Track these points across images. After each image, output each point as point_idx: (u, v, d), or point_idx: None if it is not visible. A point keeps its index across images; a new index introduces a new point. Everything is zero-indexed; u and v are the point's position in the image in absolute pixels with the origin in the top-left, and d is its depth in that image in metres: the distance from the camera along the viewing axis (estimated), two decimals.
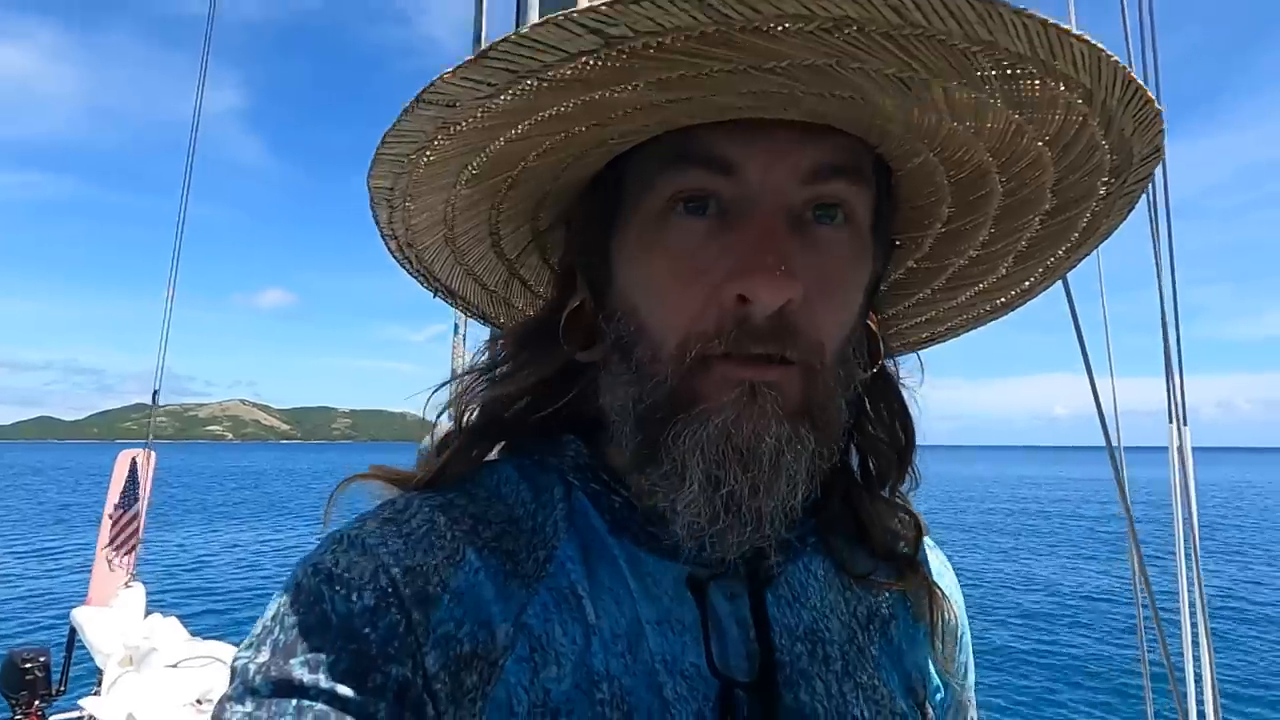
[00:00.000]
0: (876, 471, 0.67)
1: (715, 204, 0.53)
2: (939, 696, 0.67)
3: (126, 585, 4.35)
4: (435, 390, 0.67)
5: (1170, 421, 2.12)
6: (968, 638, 0.73)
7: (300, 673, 0.49)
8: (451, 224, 0.62)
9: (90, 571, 4.52)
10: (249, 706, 0.48)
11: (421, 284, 0.69)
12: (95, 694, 3.82)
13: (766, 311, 0.51)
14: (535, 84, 0.46)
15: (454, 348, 1.74)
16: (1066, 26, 0.41)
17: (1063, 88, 0.47)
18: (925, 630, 0.68)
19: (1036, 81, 0.46)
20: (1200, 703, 1.99)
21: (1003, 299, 0.72)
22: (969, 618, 0.74)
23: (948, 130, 0.53)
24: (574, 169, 0.58)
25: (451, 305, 0.73)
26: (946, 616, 0.69)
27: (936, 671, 0.68)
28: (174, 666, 3.71)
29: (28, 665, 4.13)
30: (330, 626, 0.50)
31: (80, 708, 3.97)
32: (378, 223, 0.60)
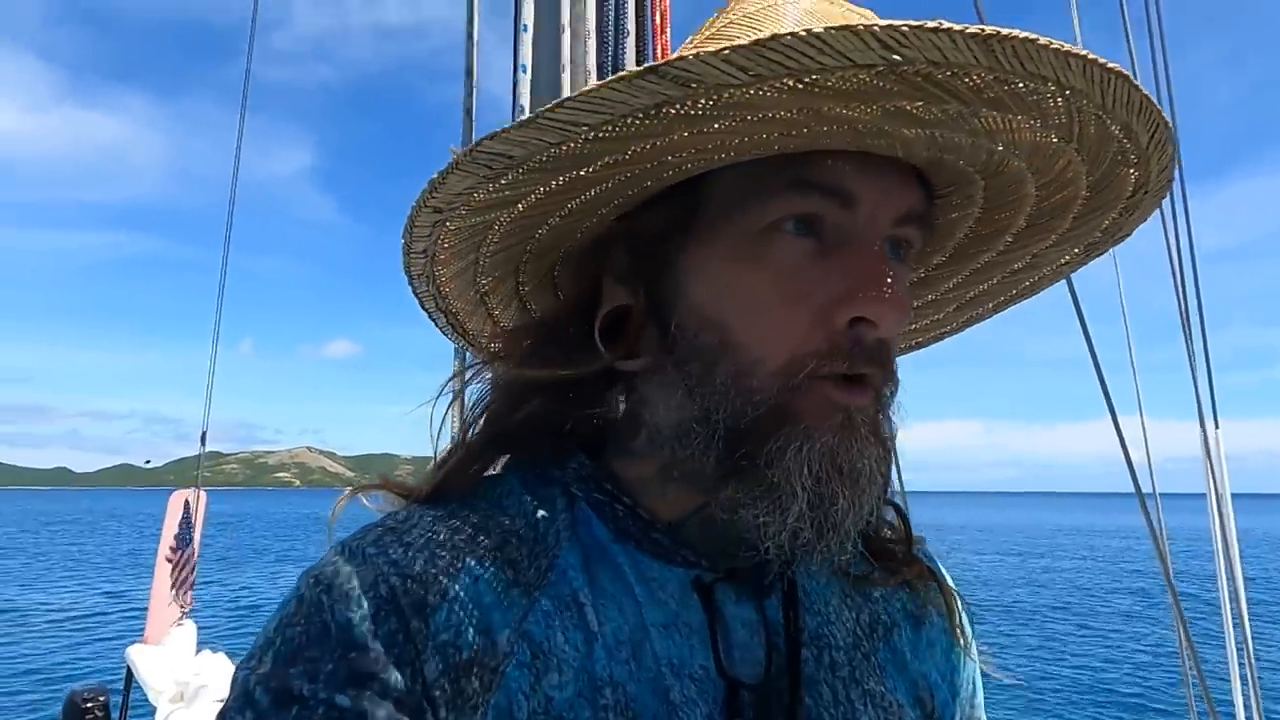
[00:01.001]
0: None
1: (822, 228, 0.54)
2: (949, 710, 0.66)
3: (178, 623, 4.42)
4: (439, 396, 0.66)
5: (1207, 469, 2.02)
6: (974, 650, 0.72)
7: (299, 683, 0.49)
8: (490, 242, 0.61)
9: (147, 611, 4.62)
10: (248, 717, 0.49)
11: (428, 301, 0.67)
12: None
13: (882, 336, 0.53)
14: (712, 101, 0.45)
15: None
16: (1127, 74, 0.45)
17: (1116, 129, 0.51)
18: (928, 639, 0.67)
19: (1058, 100, 0.48)
20: None
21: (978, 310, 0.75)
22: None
23: (1002, 160, 0.55)
24: (638, 182, 0.56)
25: (452, 330, 0.72)
26: (953, 604, 0.69)
27: (945, 684, 0.67)
28: (222, 702, 3.73)
29: (88, 705, 4.20)
30: (329, 636, 0.51)
31: None
32: (414, 231, 0.58)
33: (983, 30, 0.40)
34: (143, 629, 4.53)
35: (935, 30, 0.40)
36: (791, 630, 0.59)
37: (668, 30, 1.60)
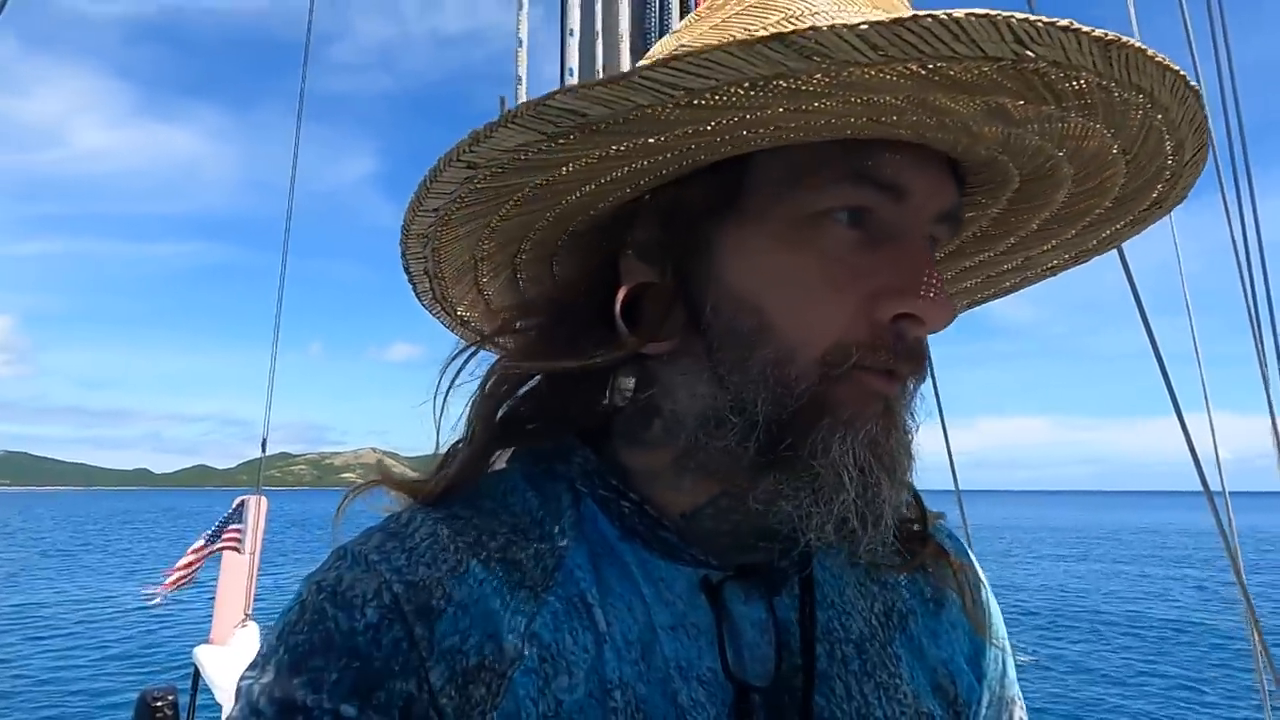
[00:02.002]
0: None
1: (870, 220, 0.52)
2: (975, 694, 0.64)
3: (242, 624, 4.54)
4: (440, 380, 0.61)
5: None
6: (1001, 631, 0.70)
7: (303, 693, 0.48)
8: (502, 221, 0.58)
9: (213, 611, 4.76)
10: None
11: (421, 280, 0.64)
12: None
13: (925, 333, 0.53)
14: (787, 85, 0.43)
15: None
16: (1171, 63, 0.44)
17: (1169, 145, 0.51)
18: (949, 622, 0.66)
19: (1140, 113, 0.48)
20: None
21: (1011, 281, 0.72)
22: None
23: (1036, 147, 0.53)
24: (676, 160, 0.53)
25: (442, 311, 0.68)
26: (971, 582, 0.67)
27: (970, 669, 0.65)
28: None
29: (158, 704, 4.35)
30: (333, 645, 0.50)
31: None
32: (425, 199, 0.54)
33: (1105, 34, 0.40)
34: (209, 629, 4.67)
35: (1065, 29, 0.39)
36: (808, 630, 0.57)
37: None
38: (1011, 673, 0.70)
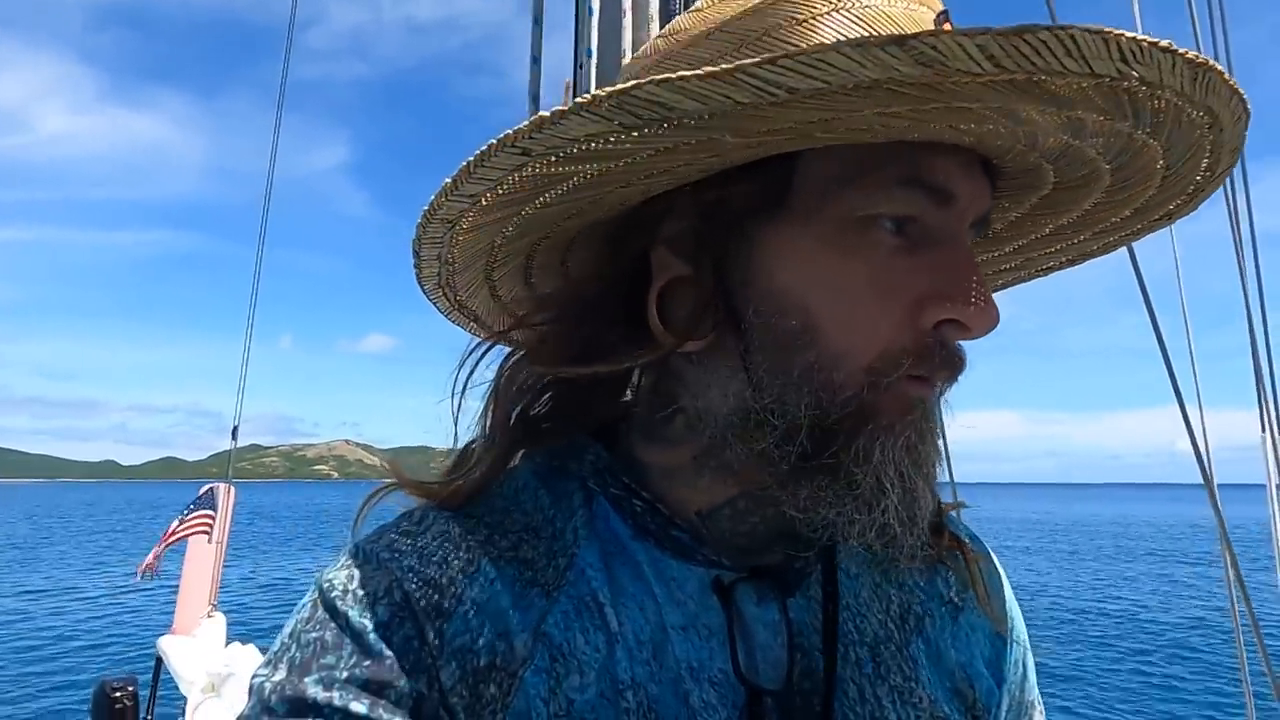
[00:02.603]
0: None
1: (914, 227, 0.52)
2: (994, 699, 0.63)
3: (208, 615, 4.44)
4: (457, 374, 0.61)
5: (1267, 458, 1.96)
6: (1022, 632, 0.69)
7: (314, 690, 0.48)
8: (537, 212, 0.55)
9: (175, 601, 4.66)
10: None
11: (435, 283, 0.62)
12: None
13: (968, 339, 0.52)
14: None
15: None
16: (1239, 87, 0.44)
17: (1205, 161, 0.51)
18: (969, 625, 0.65)
19: (1199, 132, 0.48)
20: None
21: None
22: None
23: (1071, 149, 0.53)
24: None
25: (462, 315, 0.67)
26: (986, 572, 0.67)
27: (990, 672, 0.64)
28: None
29: (117, 694, 4.24)
30: (345, 642, 0.50)
31: None
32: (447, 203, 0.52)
33: (1197, 57, 0.41)
34: (171, 619, 4.57)
35: (1165, 50, 0.40)
36: (830, 632, 0.57)
37: None
38: (1032, 676, 0.69)
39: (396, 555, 0.54)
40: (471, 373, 0.62)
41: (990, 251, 0.67)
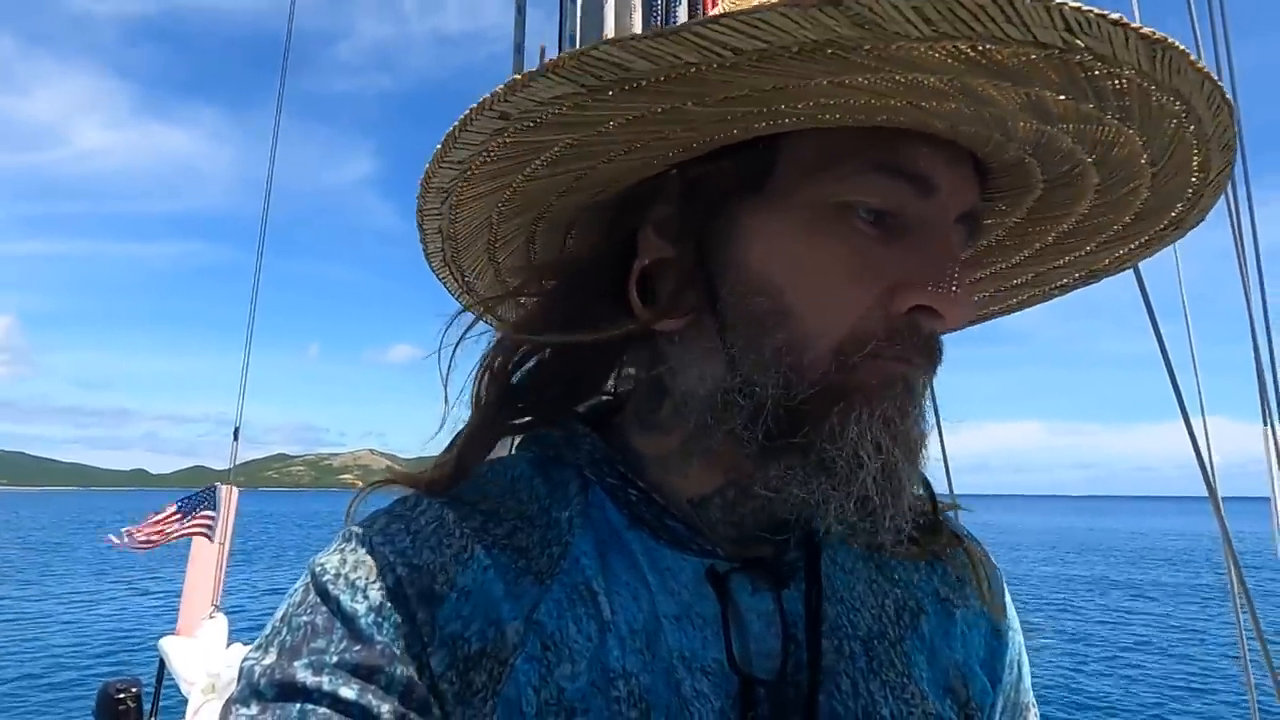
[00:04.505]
0: None
1: (892, 220, 0.52)
2: (988, 698, 0.63)
3: (210, 616, 4.44)
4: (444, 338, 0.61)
5: (1270, 470, 1.98)
6: (1018, 634, 0.68)
7: (304, 675, 0.48)
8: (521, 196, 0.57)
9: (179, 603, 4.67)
10: (254, 710, 0.48)
11: (438, 254, 0.63)
12: None
13: (941, 329, 0.52)
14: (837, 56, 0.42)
15: None
16: (1210, 74, 0.43)
17: (1196, 162, 0.50)
18: (964, 623, 0.64)
19: (1174, 121, 0.47)
20: None
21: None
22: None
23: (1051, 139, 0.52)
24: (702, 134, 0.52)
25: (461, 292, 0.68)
26: (986, 565, 0.67)
27: (984, 671, 0.63)
28: None
29: (120, 695, 4.25)
30: (335, 627, 0.50)
31: None
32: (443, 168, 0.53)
33: (1152, 33, 0.40)
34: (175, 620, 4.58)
35: (1115, 23, 0.39)
36: (813, 624, 0.57)
37: None
38: (1027, 678, 0.69)
39: (389, 540, 0.54)
40: (464, 334, 0.61)
41: (998, 262, 0.67)
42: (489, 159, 0.51)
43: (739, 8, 0.40)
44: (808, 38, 0.40)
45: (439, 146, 0.51)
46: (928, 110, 0.47)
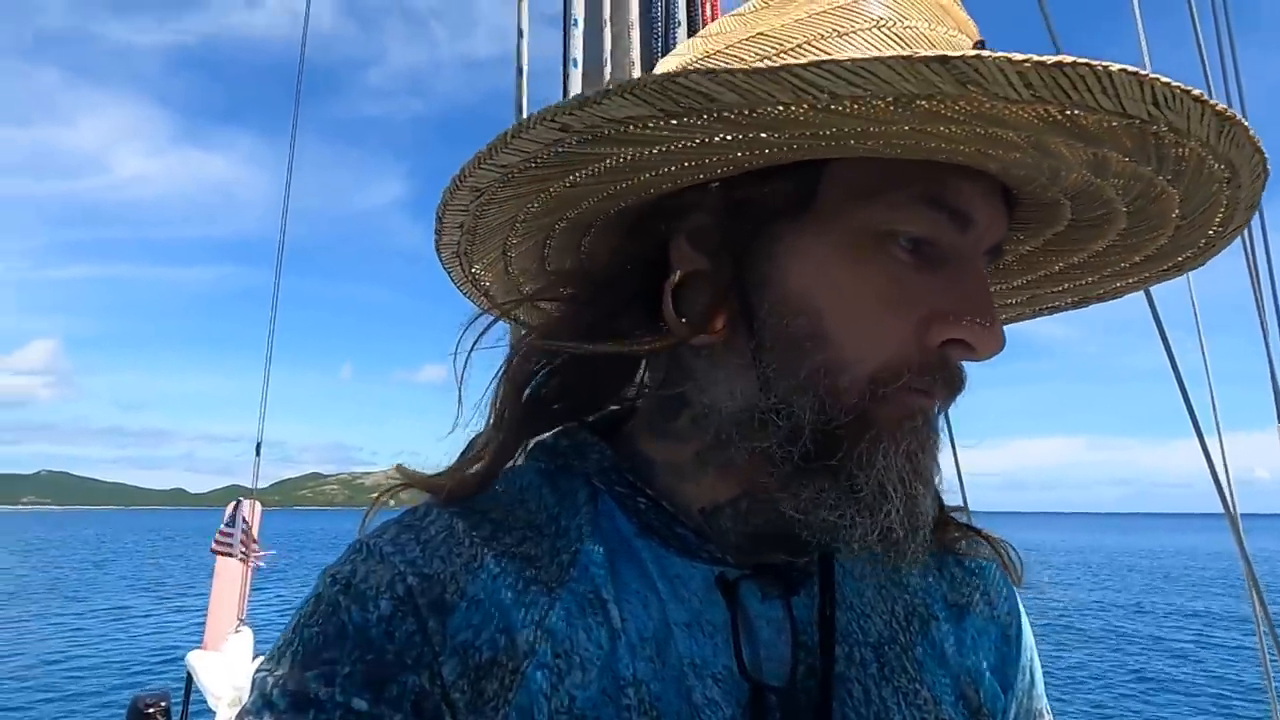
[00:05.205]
0: None
1: (929, 249, 0.52)
2: (999, 704, 0.62)
3: (236, 630, 4.50)
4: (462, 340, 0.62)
5: None
6: (1029, 640, 0.68)
7: (316, 685, 0.49)
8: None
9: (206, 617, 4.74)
10: None
11: (455, 261, 0.63)
12: None
13: (972, 359, 0.53)
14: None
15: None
16: (1261, 144, 0.45)
17: (1219, 218, 0.52)
18: (975, 629, 0.64)
19: (1218, 185, 0.49)
20: None
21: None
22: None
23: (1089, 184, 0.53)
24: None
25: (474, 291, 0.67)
26: (1000, 576, 0.67)
27: (996, 677, 0.63)
28: None
29: (150, 710, 4.30)
30: (347, 637, 0.50)
31: None
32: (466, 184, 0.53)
33: (1225, 110, 0.41)
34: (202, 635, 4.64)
35: (1196, 99, 0.40)
36: (827, 631, 0.57)
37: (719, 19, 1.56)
38: (1040, 684, 0.68)
39: (399, 549, 0.54)
40: (477, 340, 0.62)
41: (998, 284, 0.67)
42: (535, 165, 0.51)
43: (835, 56, 0.40)
44: (909, 90, 0.40)
45: (484, 148, 0.50)
46: (994, 156, 0.48)
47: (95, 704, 12.15)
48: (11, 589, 30.31)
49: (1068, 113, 0.41)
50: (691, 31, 1.55)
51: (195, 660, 4.40)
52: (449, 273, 0.65)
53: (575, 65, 1.53)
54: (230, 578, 4.70)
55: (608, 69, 1.51)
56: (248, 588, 4.69)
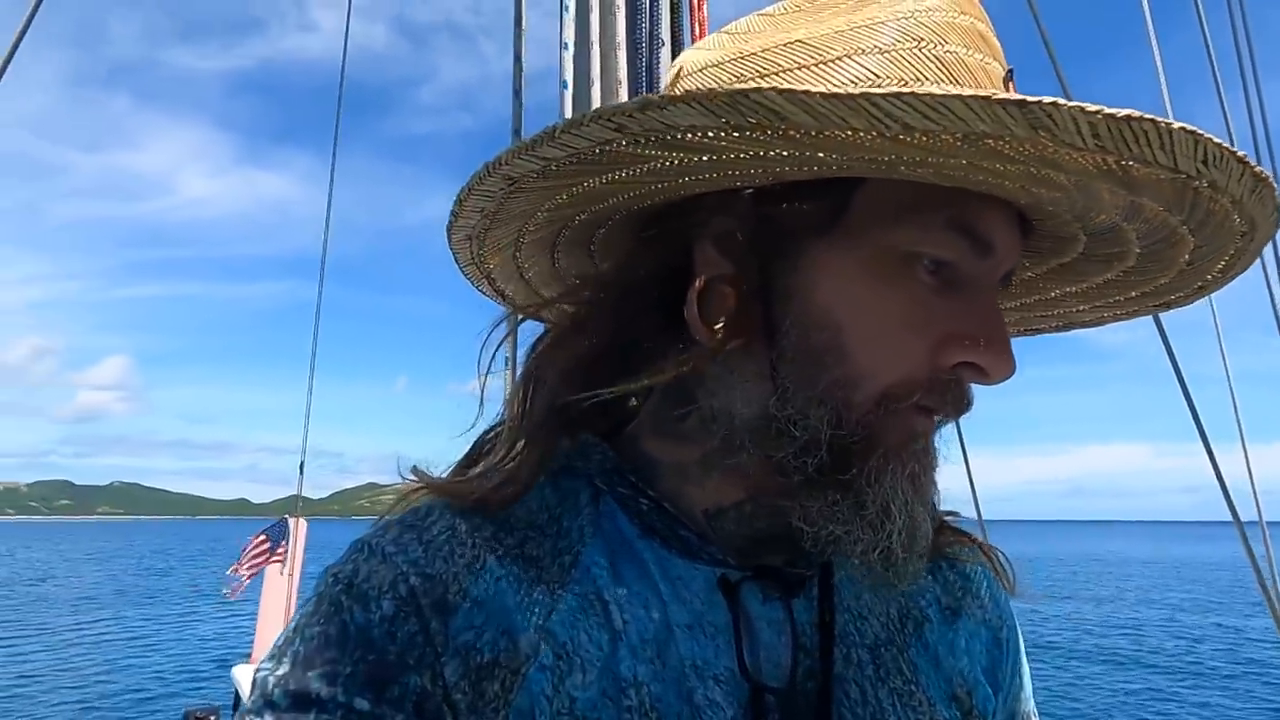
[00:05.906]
0: None
1: (948, 271, 0.53)
2: (990, 706, 0.63)
3: None
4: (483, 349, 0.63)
5: None
6: (1020, 643, 0.69)
7: (318, 685, 0.48)
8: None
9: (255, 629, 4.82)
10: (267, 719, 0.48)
11: (472, 263, 0.63)
12: None
13: (982, 384, 0.53)
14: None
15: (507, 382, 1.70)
16: (1275, 186, 0.45)
17: (1223, 261, 0.53)
18: (967, 632, 0.65)
19: (1237, 236, 0.50)
20: None
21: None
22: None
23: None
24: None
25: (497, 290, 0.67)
26: (989, 578, 0.68)
27: (987, 680, 0.64)
28: None
29: None
30: (348, 637, 0.50)
31: None
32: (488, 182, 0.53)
33: (1261, 171, 0.42)
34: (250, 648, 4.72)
35: (1240, 159, 0.41)
36: (826, 633, 0.57)
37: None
38: (1028, 688, 0.69)
39: (401, 549, 0.54)
40: (501, 343, 0.62)
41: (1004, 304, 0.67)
42: (578, 161, 0.49)
43: (908, 89, 0.40)
44: (980, 129, 0.40)
45: (525, 140, 0.49)
46: (1034, 193, 0.48)
47: (148, 711, 12.47)
48: (90, 593, 31.48)
49: (1123, 163, 0.42)
50: (676, 51, 1.57)
51: (241, 674, 4.48)
52: (455, 255, 0.64)
53: (565, 87, 1.56)
54: (277, 592, 4.76)
55: (595, 88, 1.55)
56: (293, 602, 4.75)
